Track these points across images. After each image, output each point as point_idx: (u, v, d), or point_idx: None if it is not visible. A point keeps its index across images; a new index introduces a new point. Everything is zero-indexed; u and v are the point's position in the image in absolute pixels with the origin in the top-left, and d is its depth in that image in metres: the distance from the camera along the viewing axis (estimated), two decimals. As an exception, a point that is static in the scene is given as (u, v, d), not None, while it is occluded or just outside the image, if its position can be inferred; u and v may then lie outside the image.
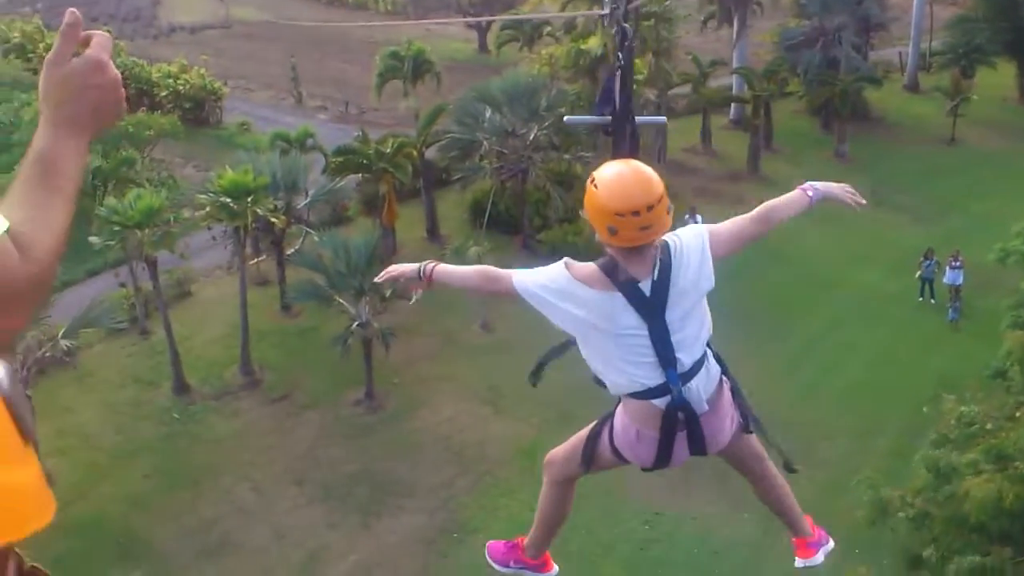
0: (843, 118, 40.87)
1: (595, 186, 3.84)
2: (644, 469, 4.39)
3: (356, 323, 25.14)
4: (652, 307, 3.85)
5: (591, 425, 4.47)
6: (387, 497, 22.89)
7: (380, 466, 24.12)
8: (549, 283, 3.92)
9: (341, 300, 25.75)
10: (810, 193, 4.50)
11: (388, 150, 31.99)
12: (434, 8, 61.48)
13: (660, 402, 4.00)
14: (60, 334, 23.92)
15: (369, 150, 32.01)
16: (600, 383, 4.15)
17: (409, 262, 4.36)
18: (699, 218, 32.03)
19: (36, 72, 45.49)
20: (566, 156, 33.62)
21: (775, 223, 4.36)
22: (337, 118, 46.96)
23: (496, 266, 4.44)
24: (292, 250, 30.34)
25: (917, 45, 48.66)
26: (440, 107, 34.38)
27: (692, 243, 4.00)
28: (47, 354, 24.07)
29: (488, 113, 31.96)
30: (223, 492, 23.59)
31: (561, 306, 3.90)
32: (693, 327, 3.97)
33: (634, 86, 31.76)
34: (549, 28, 44.05)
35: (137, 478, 23.95)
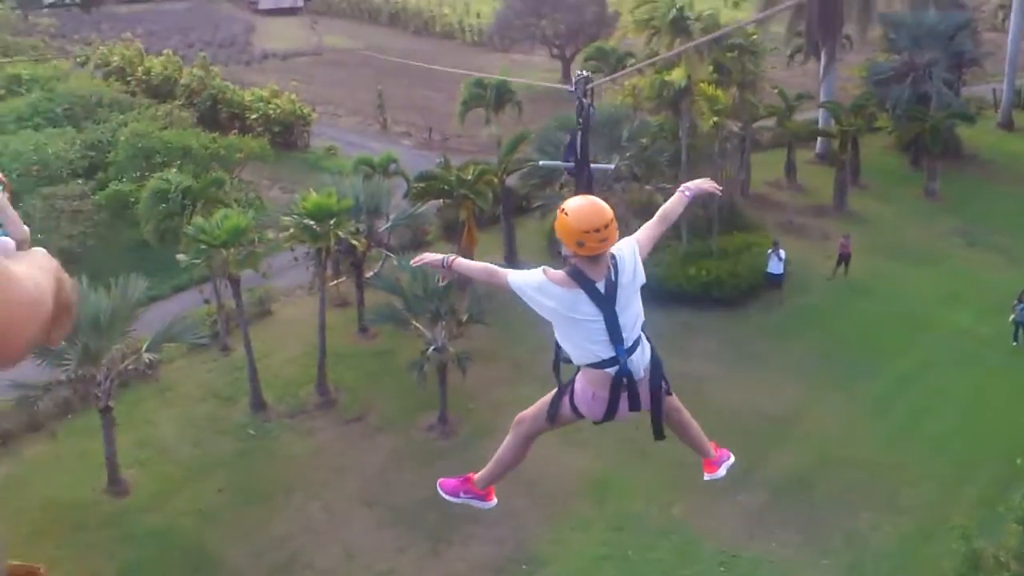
0: (933, 155, 39.91)
1: (565, 214, 5.08)
2: (595, 422, 5.67)
3: (432, 347, 25.06)
4: (605, 300, 5.15)
5: (553, 392, 5.72)
6: (458, 524, 22.60)
7: (452, 492, 23.91)
8: (532, 282, 5.18)
9: (418, 324, 25.73)
10: (687, 193, 6.00)
11: (469, 176, 32.06)
12: (519, 39, 61.76)
13: (611, 370, 5.29)
14: (144, 347, 24.26)
15: (451, 176, 32.10)
16: (566, 360, 5.49)
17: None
18: (782, 253, 31.54)
19: (134, 94, 47.04)
20: (647, 187, 33.33)
21: (671, 220, 5.89)
22: (421, 144, 47.36)
23: None
24: (372, 273, 30.53)
25: (1012, 82, 47.41)
26: (522, 135, 34.39)
27: (627, 251, 5.33)
28: (130, 367, 24.49)
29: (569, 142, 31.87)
30: (295, 510, 23.61)
31: (539, 299, 5.16)
32: (632, 313, 5.29)
33: (722, 119, 31.19)
34: (633, 59, 43.91)
35: (211, 492, 24.08)
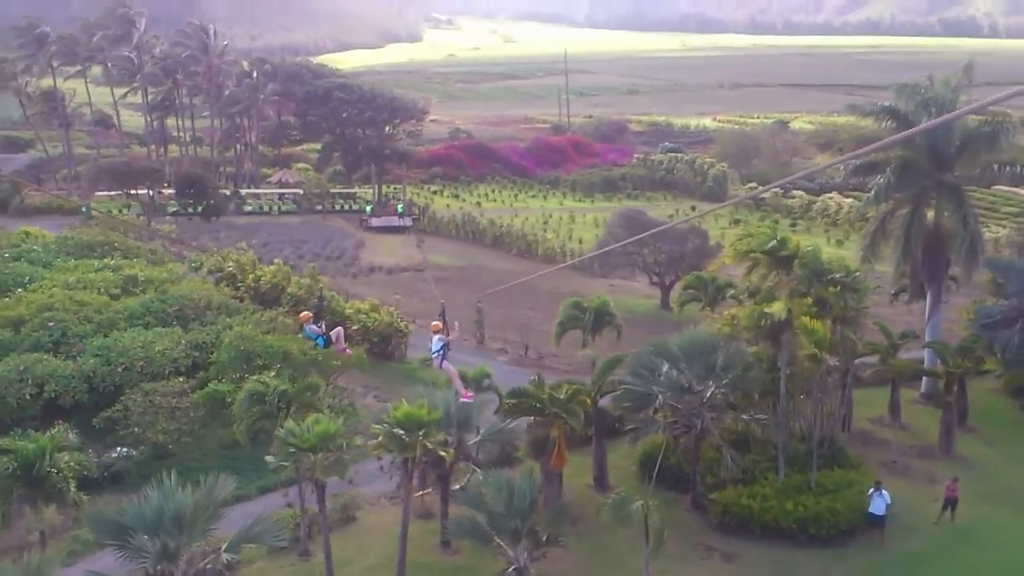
0: (1045, 402, 38.51)
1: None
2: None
3: (512, 567, 24.25)
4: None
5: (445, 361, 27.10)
6: None
7: None
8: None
9: (500, 541, 25.01)
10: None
11: (562, 396, 31.89)
12: (619, 264, 62.91)
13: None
14: (224, 547, 23.93)
15: (543, 394, 31.98)
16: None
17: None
18: (885, 493, 30.22)
19: (242, 300, 48.70)
20: (744, 416, 32.65)
21: None
22: (515, 361, 47.72)
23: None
24: (457, 486, 30.11)
25: None
26: (617, 358, 34.32)
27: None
28: (208, 565, 24.05)
29: (665, 367, 31.57)
30: None
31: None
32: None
33: (821, 353, 30.25)
34: (732, 291, 44.13)
35: None
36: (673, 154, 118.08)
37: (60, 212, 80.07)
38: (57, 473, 26.22)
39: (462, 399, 28.01)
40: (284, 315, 44.46)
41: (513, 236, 78.47)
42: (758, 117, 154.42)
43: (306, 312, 29.20)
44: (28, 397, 35.59)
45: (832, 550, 29.77)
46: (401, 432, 26.66)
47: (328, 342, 28.11)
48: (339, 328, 29.15)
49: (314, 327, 28.04)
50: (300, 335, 32.06)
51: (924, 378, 42.41)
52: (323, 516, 27.31)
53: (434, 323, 26.38)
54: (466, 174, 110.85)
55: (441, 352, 27.80)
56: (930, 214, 42.70)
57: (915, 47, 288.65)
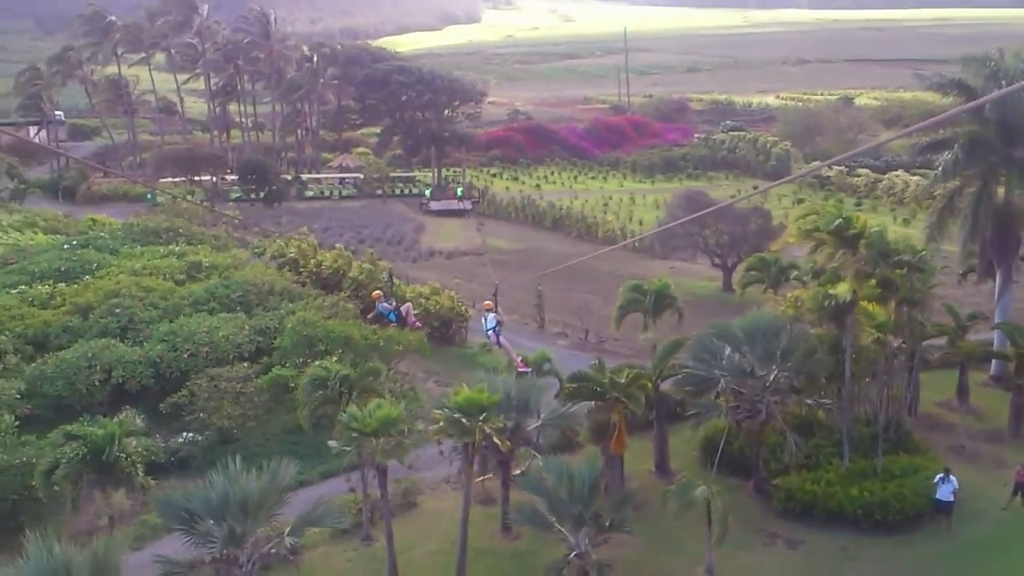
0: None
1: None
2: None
3: (574, 553, 24.21)
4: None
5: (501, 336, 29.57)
6: None
7: None
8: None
9: (561, 527, 24.97)
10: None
11: (623, 380, 31.70)
12: (680, 246, 62.38)
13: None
14: (287, 531, 24.15)
15: (604, 378, 31.81)
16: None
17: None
18: (953, 480, 29.63)
19: (304, 285, 49.13)
20: (808, 401, 32.19)
21: None
22: (576, 345, 47.59)
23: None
24: (518, 471, 30.13)
25: None
26: (678, 342, 34.01)
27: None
28: (272, 550, 24.31)
29: (727, 351, 31.20)
30: None
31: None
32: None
33: (884, 335, 29.83)
34: (796, 272, 43.50)
35: None
36: (735, 133, 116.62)
37: (126, 199, 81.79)
38: (126, 458, 26.75)
39: (519, 370, 29.86)
40: (345, 300, 44.78)
41: (573, 219, 78.22)
42: (822, 94, 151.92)
43: (377, 291, 32.30)
44: (97, 383, 36.36)
45: (898, 537, 29.31)
46: (461, 417, 26.68)
47: (400, 317, 30.60)
48: (408, 304, 32.58)
49: (386, 304, 30.36)
50: (372, 313, 33.86)
51: (994, 360, 41.44)
52: (385, 501, 27.50)
53: (487, 302, 29.18)
54: (525, 156, 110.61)
55: (496, 328, 29.74)
56: (1000, 191, 41.62)
57: (985, 19, 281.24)
